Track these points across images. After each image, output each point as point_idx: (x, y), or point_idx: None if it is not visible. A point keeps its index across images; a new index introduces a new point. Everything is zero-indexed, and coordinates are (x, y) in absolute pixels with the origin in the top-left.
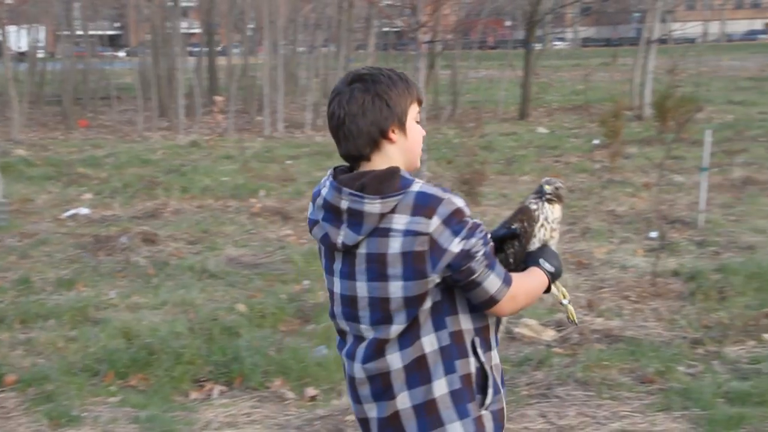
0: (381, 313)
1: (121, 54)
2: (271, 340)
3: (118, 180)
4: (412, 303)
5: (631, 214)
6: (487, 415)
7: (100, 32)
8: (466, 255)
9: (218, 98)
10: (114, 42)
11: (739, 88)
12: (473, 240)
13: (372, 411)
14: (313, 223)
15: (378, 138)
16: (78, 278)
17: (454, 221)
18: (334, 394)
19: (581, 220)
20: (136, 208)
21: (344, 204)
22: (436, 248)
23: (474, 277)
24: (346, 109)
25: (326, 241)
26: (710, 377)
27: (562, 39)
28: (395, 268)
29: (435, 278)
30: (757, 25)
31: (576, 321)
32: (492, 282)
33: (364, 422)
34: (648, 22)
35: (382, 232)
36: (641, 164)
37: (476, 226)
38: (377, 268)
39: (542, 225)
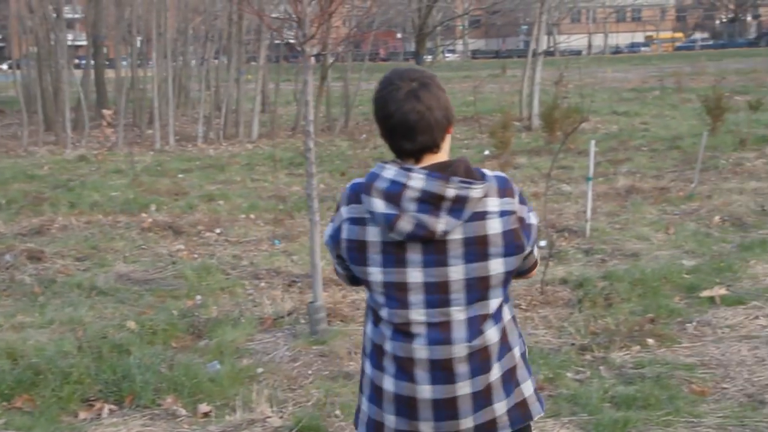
0: (479, 291)
1: (4, 67)
2: (162, 357)
3: (1, 196)
4: (509, 277)
5: None
6: None
7: None
8: (537, 227)
9: (106, 112)
10: None
11: (622, 99)
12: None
13: (465, 388)
14: (392, 217)
15: (447, 128)
16: None
17: (524, 199)
18: (228, 410)
19: None
20: (21, 225)
21: (450, 192)
22: (524, 224)
23: (535, 245)
24: (426, 103)
25: (419, 231)
26: (597, 382)
27: (452, 51)
28: (497, 246)
29: (528, 250)
30: (639, 38)
31: None
32: (536, 249)
33: (441, 403)
34: (535, 35)
35: (478, 216)
36: (530, 174)
37: None
38: (477, 250)
39: None
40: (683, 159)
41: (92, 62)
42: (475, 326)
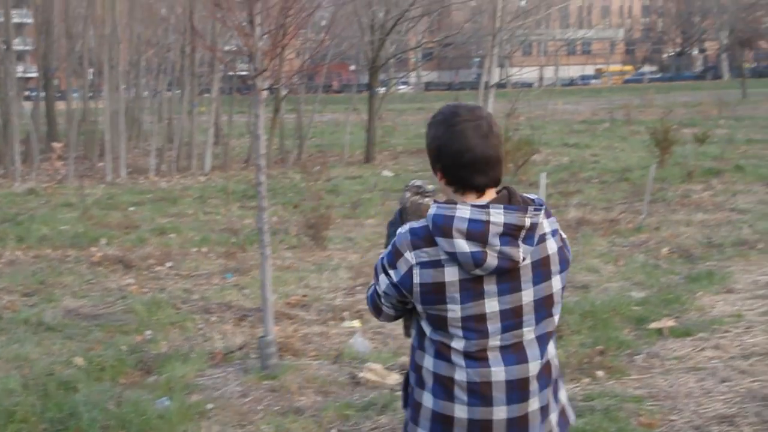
0: (545, 310)
1: None
2: (110, 394)
3: None
4: (563, 291)
5: None
6: None
7: None
8: None
9: (56, 144)
10: None
11: (573, 131)
12: None
13: (534, 404)
14: (480, 255)
15: None
16: None
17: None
18: None
19: None
20: None
21: (527, 221)
22: (564, 240)
23: None
24: (499, 140)
25: (504, 264)
26: None
27: (406, 83)
28: (555, 265)
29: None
30: (589, 70)
31: None
32: None
33: (515, 422)
34: (487, 67)
35: (541, 239)
36: None
37: None
38: (543, 271)
39: None
40: (632, 191)
41: (43, 94)
42: (543, 343)
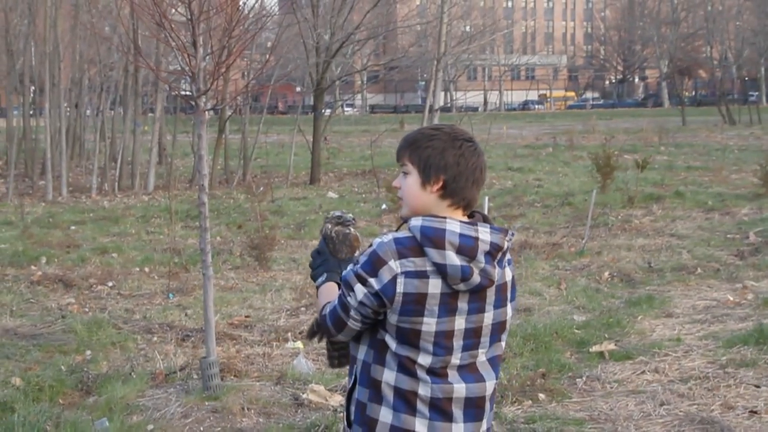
0: (497, 334)
1: None
2: (48, 415)
3: None
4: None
5: None
6: None
7: None
8: None
9: None
10: None
11: (517, 155)
12: None
13: (484, 425)
14: (466, 270)
15: None
16: None
17: None
18: None
19: None
20: None
21: (507, 243)
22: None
23: None
24: (484, 162)
25: (484, 282)
26: None
27: (351, 105)
28: (509, 292)
29: None
30: (533, 95)
31: None
32: None
33: None
34: (431, 91)
35: (504, 264)
36: None
37: None
38: (502, 297)
39: None
40: (575, 215)
41: None
42: (495, 366)
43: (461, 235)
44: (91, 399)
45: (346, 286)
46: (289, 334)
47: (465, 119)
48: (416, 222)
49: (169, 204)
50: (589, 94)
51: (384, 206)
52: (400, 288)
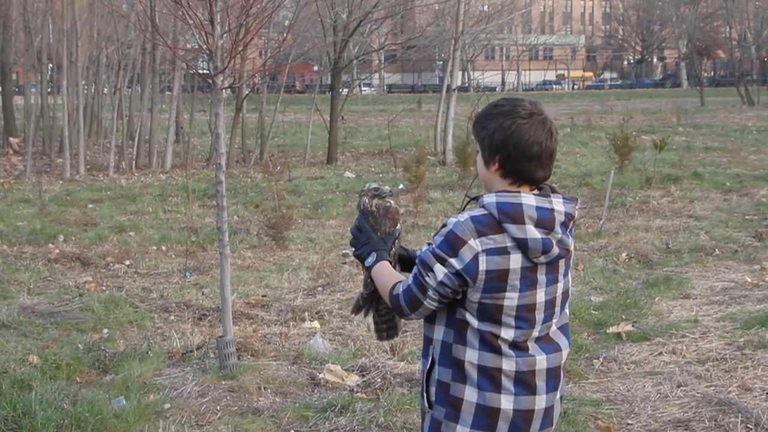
0: (564, 303)
1: None
2: (65, 393)
3: None
4: None
5: None
6: None
7: None
8: None
9: (14, 139)
10: None
11: None
12: None
13: (558, 393)
14: (547, 243)
15: None
16: None
17: None
18: None
19: None
20: None
21: (577, 212)
22: None
23: None
24: (556, 137)
25: (562, 252)
26: None
27: (369, 84)
28: (571, 260)
29: None
30: (551, 76)
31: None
32: None
33: (548, 411)
34: (449, 70)
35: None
36: (444, 209)
37: None
38: (567, 265)
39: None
40: (592, 196)
41: (0, 88)
42: (566, 334)
43: (538, 208)
44: (108, 377)
45: (423, 266)
46: (306, 313)
47: (483, 99)
48: (490, 199)
49: (187, 183)
50: (607, 75)
51: (401, 186)
52: (482, 266)
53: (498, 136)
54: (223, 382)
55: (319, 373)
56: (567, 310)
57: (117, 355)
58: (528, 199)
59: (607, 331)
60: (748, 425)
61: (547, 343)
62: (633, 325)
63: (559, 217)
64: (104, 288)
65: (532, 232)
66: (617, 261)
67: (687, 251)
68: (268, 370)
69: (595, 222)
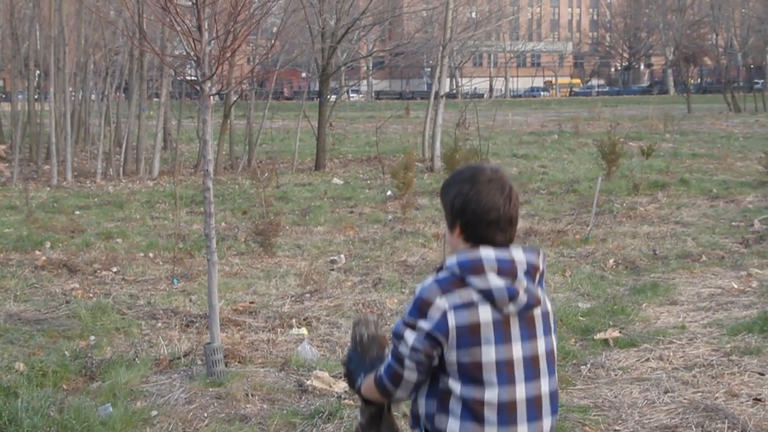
0: (551, 365)
1: None
2: (52, 400)
3: None
4: None
5: (422, 265)
6: None
7: None
8: None
9: (0, 146)
10: None
11: (522, 142)
12: None
13: None
14: (512, 290)
15: None
16: None
17: None
18: None
19: (374, 270)
20: None
21: (542, 264)
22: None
23: None
24: (517, 202)
25: (531, 301)
26: None
27: (357, 91)
28: (551, 322)
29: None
30: (538, 82)
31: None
32: None
33: None
34: (437, 77)
35: (544, 288)
36: (432, 215)
37: None
38: (546, 324)
39: None
40: (580, 202)
41: None
42: (555, 400)
43: (498, 259)
44: (95, 384)
45: (396, 338)
46: (294, 320)
47: (471, 106)
48: (451, 260)
49: (174, 189)
50: (594, 81)
51: (389, 193)
52: (452, 322)
53: (458, 202)
54: (211, 389)
55: (307, 379)
56: (555, 376)
57: (104, 362)
58: (487, 251)
59: (595, 337)
60: (735, 431)
61: (536, 408)
62: (620, 332)
63: (521, 266)
64: (91, 295)
65: (495, 281)
66: (605, 267)
67: (674, 257)
68: (256, 377)
69: (582, 228)
